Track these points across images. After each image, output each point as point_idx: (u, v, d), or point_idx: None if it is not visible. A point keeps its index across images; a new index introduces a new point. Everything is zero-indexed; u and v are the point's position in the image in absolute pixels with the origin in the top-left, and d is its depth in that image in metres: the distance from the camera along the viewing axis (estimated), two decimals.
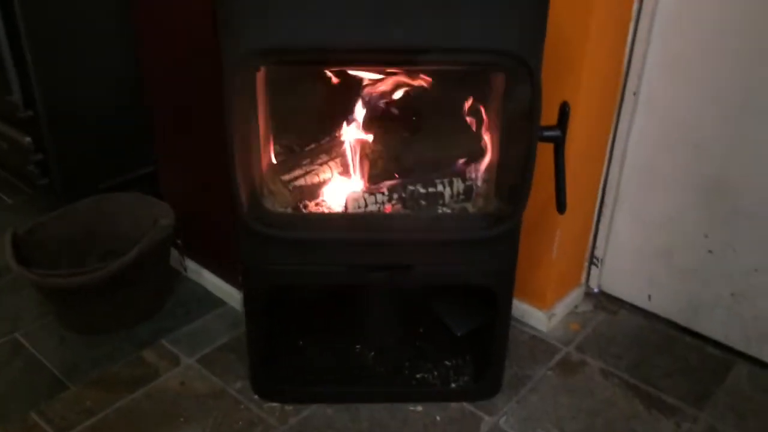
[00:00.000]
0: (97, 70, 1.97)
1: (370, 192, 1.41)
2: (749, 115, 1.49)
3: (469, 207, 1.43)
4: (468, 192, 1.43)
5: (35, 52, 1.83)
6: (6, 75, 1.89)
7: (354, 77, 1.41)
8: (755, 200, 1.53)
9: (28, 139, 1.97)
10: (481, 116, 1.43)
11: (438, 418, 1.48)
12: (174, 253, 1.85)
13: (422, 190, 1.41)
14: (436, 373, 1.56)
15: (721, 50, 1.48)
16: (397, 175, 1.45)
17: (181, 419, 1.46)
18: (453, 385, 1.54)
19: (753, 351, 1.64)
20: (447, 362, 1.59)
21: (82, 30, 1.90)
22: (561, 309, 1.78)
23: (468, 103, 1.44)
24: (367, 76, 1.40)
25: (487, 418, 1.48)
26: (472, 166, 1.45)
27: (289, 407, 1.50)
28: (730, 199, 1.57)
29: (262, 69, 1.29)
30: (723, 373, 1.62)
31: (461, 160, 1.46)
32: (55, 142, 1.95)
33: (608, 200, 1.75)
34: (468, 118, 1.45)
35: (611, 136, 1.68)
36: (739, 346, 1.66)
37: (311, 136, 1.53)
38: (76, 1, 1.87)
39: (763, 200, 1.52)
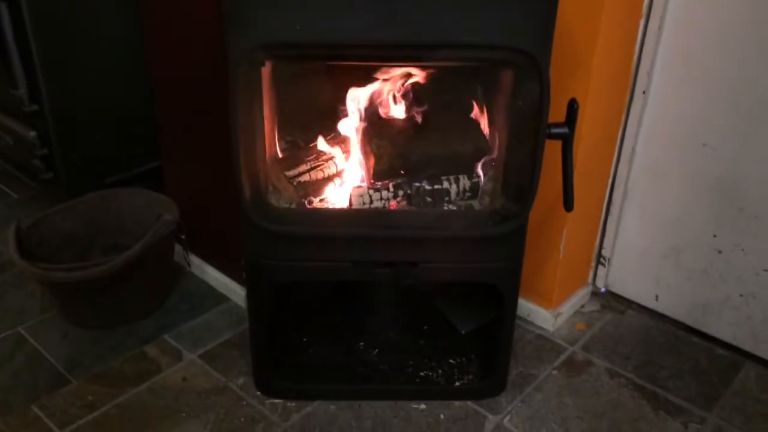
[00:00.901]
0: (104, 65, 1.96)
1: (375, 188, 1.39)
2: (759, 115, 1.47)
3: (476, 204, 1.42)
4: (474, 189, 1.42)
5: (41, 46, 1.83)
6: (12, 69, 1.88)
7: (360, 72, 1.40)
8: (764, 200, 1.52)
9: (33, 133, 1.96)
10: (489, 113, 1.42)
11: (442, 416, 1.47)
12: (178, 248, 1.84)
13: (428, 187, 1.40)
14: (440, 371, 1.55)
15: (731, 49, 1.46)
16: (402, 172, 1.44)
17: (183, 414, 1.46)
18: (457, 384, 1.52)
19: (762, 352, 1.62)
20: (451, 360, 1.58)
21: (89, 24, 1.90)
22: (567, 308, 1.76)
23: (475, 100, 1.43)
24: (373, 70, 1.39)
25: (491, 416, 1.47)
26: (479, 163, 1.43)
27: (291, 404, 1.49)
28: (738, 199, 1.55)
29: (268, 64, 1.28)
30: (731, 374, 1.60)
31: (468, 157, 1.44)
32: (60, 137, 1.94)
33: (616, 199, 1.74)
34: (475, 115, 1.44)
35: (620, 134, 1.67)
36: (748, 347, 1.64)
37: (316, 131, 1.51)
38: None
39: None
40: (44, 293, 1.78)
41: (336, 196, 1.44)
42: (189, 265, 1.88)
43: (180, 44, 1.63)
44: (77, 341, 1.67)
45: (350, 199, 1.39)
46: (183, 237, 1.76)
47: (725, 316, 1.65)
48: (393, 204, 1.39)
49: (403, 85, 1.42)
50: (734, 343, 1.66)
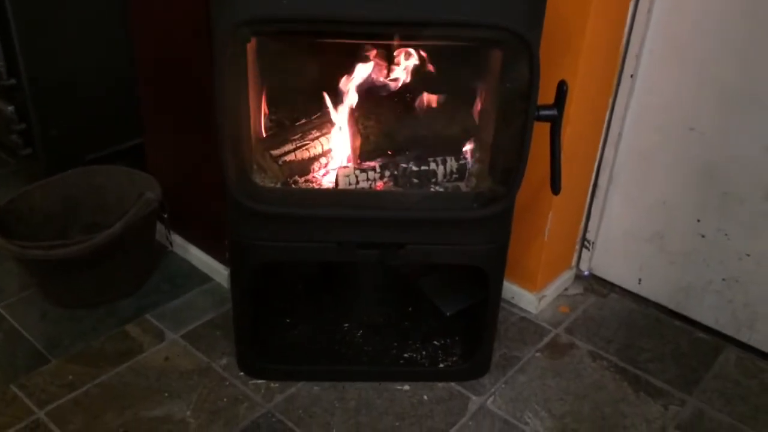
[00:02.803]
0: (85, 38, 1.92)
1: (362, 168, 1.38)
2: (745, 100, 1.47)
3: (462, 186, 1.41)
4: (461, 171, 1.41)
5: (20, 18, 1.78)
6: None
7: (348, 50, 1.38)
8: (748, 185, 1.52)
9: (10, 108, 1.92)
10: (477, 94, 1.41)
11: (425, 397, 1.47)
12: (160, 227, 1.81)
13: (415, 168, 1.38)
14: (424, 352, 1.55)
15: (719, 35, 1.46)
16: (389, 152, 1.42)
17: (165, 395, 1.45)
18: (441, 365, 1.53)
19: (743, 336, 1.64)
20: (435, 342, 1.58)
21: None
22: (551, 291, 1.77)
23: (464, 81, 1.42)
24: (360, 49, 1.37)
25: (474, 398, 1.48)
26: (466, 145, 1.42)
27: (275, 385, 1.48)
28: (723, 184, 1.56)
29: (254, 40, 1.25)
30: (712, 357, 1.62)
31: (455, 139, 1.43)
32: (39, 112, 1.90)
33: (602, 183, 1.74)
34: (463, 96, 1.43)
35: (607, 117, 1.66)
36: (729, 331, 1.66)
37: (302, 110, 1.49)
38: None
39: (755, 185, 1.52)
40: (22, 271, 1.75)
41: (322, 176, 1.43)
42: (171, 244, 1.86)
43: (164, 18, 1.60)
44: (57, 320, 1.64)
45: (336, 179, 1.37)
46: (165, 216, 1.74)
47: (707, 300, 1.67)
48: (379, 185, 1.38)
49: (391, 64, 1.40)
50: (716, 326, 1.68)
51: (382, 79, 1.41)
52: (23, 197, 1.71)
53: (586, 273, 1.87)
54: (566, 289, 1.83)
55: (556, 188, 1.32)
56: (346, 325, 1.61)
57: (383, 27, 1.18)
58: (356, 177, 1.37)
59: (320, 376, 1.50)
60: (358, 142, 1.41)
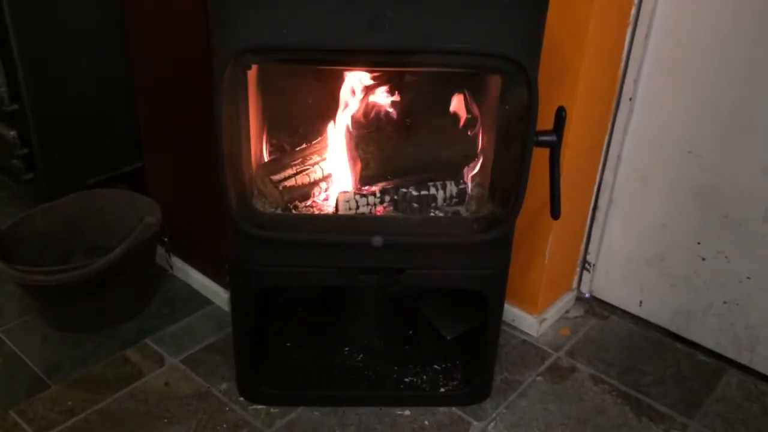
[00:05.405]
0: (85, 64, 1.93)
1: (362, 193, 1.38)
2: (743, 123, 1.48)
3: (462, 210, 1.41)
4: (461, 195, 1.41)
5: (22, 43, 1.80)
6: None
7: (347, 77, 1.39)
8: (747, 208, 1.53)
9: (13, 132, 1.93)
10: (476, 119, 1.42)
11: (426, 422, 1.46)
12: (160, 250, 1.82)
13: (415, 193, 1.39)
14: (424, 377, 1.55)
15: (716, 58, 1.47)
16: (389, 177, 1.43)
17: (165, 420, 1.44)
18: (442, 390, 1.52)
19: (744, 359, 1.63)
20: (436, 366, 1.57)
21: (71, 23, 1.87)
22: (552, 314, 1.76)
23: (463, 106, 1.43)
24: (360, 76, 1.38)
25: (475, 423, 1.47)
26: (466, 170, 1.43)
27: (275, 410, 1.48)
28: (722, 207, 1.56)
29: (254, 67, 1.26)
30: (713, 381, 1.61)
31: (455, 163, 1.44)
32: (41, 137, 1.91)
33: (602, 205, 1.74)
34: (462, 121, 1.44)
35: (606, 141, 1.67)
36: (730, 354, 1.65)
37: (302, 135, 1.50)
38: None
39: (754, 208, 1.52)
40: (23, 295, 1.75)
41: (322, 201, 1.43)
42: (171, 267, 1.86)
43: (164, 44, 1.61)
44: (57, 345, 1.64)
45: (336, 204, 1.38)
46: (166, 239, 1.74)
47: (708, 322, 1.67)
48: (379, 209, 1.38)
49: (391, 90, 1.41)
50: (717, 349, 1.67)
51: (382, 104, 1.42)
52: (25, 221, 1.72)
53: (586, 295, 1.87)
54: (567, 312, 1.83)
55: (555, 213, 1.32)
56: (347, 349, 1.61)
57: (383, 56, 1.19)
58: (356, 202, 1.37)
59: (321, 401, 1.49)
60: (358, 167, 1.41)
